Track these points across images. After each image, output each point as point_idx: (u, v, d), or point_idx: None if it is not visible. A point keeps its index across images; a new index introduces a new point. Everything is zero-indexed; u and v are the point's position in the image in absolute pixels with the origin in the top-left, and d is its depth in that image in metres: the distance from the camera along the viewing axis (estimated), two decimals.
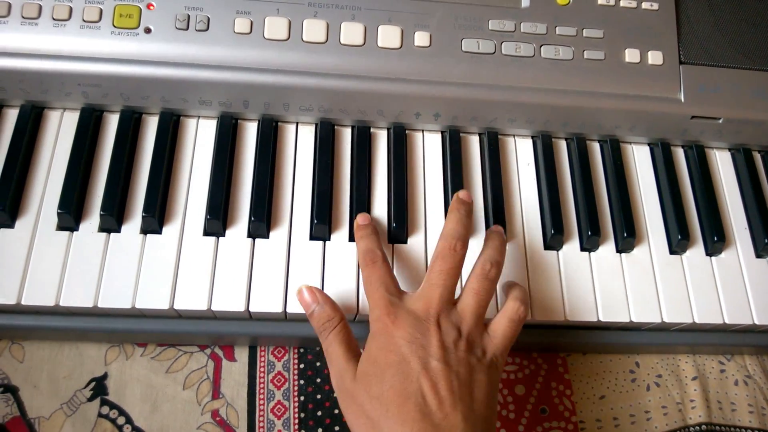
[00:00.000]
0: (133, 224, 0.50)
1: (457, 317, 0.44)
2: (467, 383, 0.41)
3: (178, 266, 0.49)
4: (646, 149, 0.60)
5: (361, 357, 0.43)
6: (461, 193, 0.50)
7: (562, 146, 0.59)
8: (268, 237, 0.51)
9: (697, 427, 0.56)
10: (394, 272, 0.50)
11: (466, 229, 0.47)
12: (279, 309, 0.48)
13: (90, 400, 0.51)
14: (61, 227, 0.49)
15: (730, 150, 0.61)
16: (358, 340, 0.52)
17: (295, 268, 0.50)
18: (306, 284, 0.47)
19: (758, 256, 0.56)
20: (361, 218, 0.50)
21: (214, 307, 0.48)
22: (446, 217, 0.49)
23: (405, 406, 0.39)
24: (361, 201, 0.52)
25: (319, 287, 0.49)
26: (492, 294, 0.46)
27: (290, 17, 0.52)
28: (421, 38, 0.53)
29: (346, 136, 0.56)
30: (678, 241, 0.55)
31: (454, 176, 0.54)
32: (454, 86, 0.53)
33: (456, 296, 0.46)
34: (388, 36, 0.53)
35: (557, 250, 0.54)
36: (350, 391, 0.42)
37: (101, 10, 0.51)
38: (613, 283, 0.53)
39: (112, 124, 0.53)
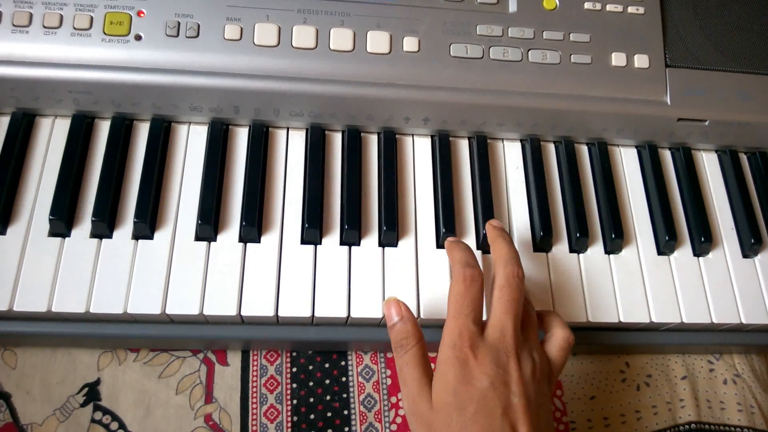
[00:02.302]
0: (124, 230, 0.50)
1: (528, 347, 0.44)
2: (544, 417, 0.41)
3: (170, 271, 0.49)
4: (634, 151, 0.60)
5: (436, 384, 0.42)
6: (494, 222, 0.51)
7: (551, 149, 0.59)
8: (259, 241, 0.51)
9: (687, 426, 0.56)
10: (385, 276, 0.51)
11: (516, 251, 0.47)
12: (271, 313, 0.49)
13: (83, 405, 0.51)
14: (52, 233, 0.49)
15: (716, 152, 0.62)
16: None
17: (287, 272, 0.50)
18: (395, 297, 0.46)
19: (745, 256, 0.57)
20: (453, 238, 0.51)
21: (206, 312, 0.48)
22: (492, 244, 0.48)
23: None
24: (352, 205, 0.52)
25: (311, 291, 0.50)
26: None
27: (280, 23, 0.52)
28: (409, 43, 0.54)
29: (336, 141, 0.56)
30: (666, 242, 0.55)
31: (444, 180, 0.55)
32: (443, 91, 0.54)
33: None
34: (377, 41, 0.53)
35: (546, 252, 0.54)
36: (426, 419, 0.41)
37: (92, 18, 0.51)
38: (602, 284, 0.54)
39: (103, 130, 0.54)
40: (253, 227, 0.50)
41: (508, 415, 0.40)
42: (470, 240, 0.54)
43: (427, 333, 0.52)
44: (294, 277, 0.50)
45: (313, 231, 0.51)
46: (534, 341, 0.45)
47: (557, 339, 0.46)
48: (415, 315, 0.50)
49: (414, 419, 0.43)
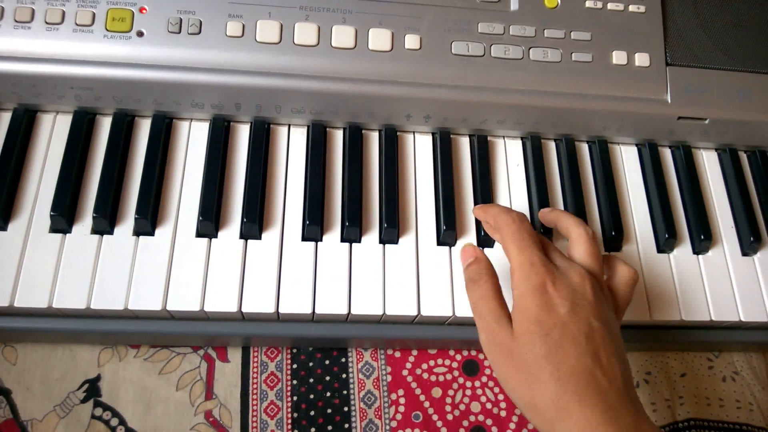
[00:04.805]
0: (125, 226, 0.50)
1: (598, 281, 0.44)
2: (619, 344, 0.42)
3: (171, 268, 0.49)
4: (634, 150, 0.61)
5: (517, 316, 0.42)
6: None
7: (551, 147, 0.60)
8: (260, 238, 0.51)
9: (686, 423, 0.56)
10: (386, 273, 0.51)
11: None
12: (271, 309, 0.49)
13: (83, 401, 0.51)
14: (53, 229, 0.49)
15: (716, 150, 0.62)
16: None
17: (288, 269, 0.50)
18: (471, 244, 0.50)
19: (744, 254, 0.57)
20: None
21: (207, 308, 0.48)
22: (560, 218, 0.49)
23: (576, 367, 0.39)
24: (353, 202, 0.52)
25: (311, 288, 0.50)
26: None
27: (282, 21, 0.52)
28: (411, 41, 0.54)
29: (337, 138, 0.57)
30: (665, 240, 0.55)
31: (445, 177, 0.55)
32: (444, 88, 0.54)
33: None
34: (379, 39, 0.53)
35: None
36: (507, 346, 0.42)
37: (94, 14, 0.51)
38: None
39: (104, 126, 0.54)
40: (254, 224, 0.50)
41: (592, 341, 0.40)
42: (471, 237, 0.54)
43: (428, 330, 0.52)
44: (295, 273, 0.50)
45: (314, 228, 0.51)
46: (602, 281, 0.45)
47: (622, 275, 0.46)
48: (415, 312, 0.50)
49: (493, 348, 0.43)
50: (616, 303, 0.46)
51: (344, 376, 0.55)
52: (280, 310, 0.49)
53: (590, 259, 0.45)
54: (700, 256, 0.56)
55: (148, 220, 0.50)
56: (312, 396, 0.54)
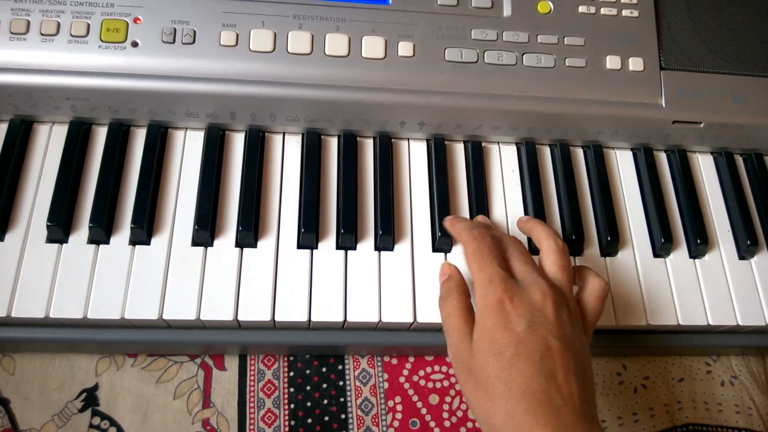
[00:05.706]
0: (122, 235, 0.50)
1: (562, 294, 0.44)
2: (581, 362, 0.41)
3: (167, 276, 0.49)
4: (629, 154, 0.61)
5: (476, 332, 0.43)
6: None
7: (546, 152, 0.60)
8: (256, 246, 0.51)
9: (684, 428, 0.56)
10: (381, 280, 0.51)
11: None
12: (267, 317, 0.49)
13: (81, 411, 0.52)
14: (50, 239, 0.50)
15: (712, 153, 0.62)
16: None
17: (283, 277, 0.50)
18: (447, 262, 0.51)
19: (741, 257, 0.57)
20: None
21: (203, 317, 0.48)
22: (534, 228, 0.50)
23: (529, 386, 0.39)
24: (348, 209, 0.53)
25: (307, 295, 0.50)
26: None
27: (275, 29, 0.53)
28: (404, 48, 0.54)
29: (332, 146, 0.57)
30: (662, 245, 0.55)
31: (440, 184, 0.55)
32: (438, 95, 0.54)
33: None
34: (373, 46, 0.54)
35: None
36: (468, 364, 0.42)
37: (89, 25, 0.51)
38: None
39: (100, 136, 0.54)
40: (250, 232, 0.51)
41: (547, 358, 0.40)
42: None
43: (425, 337, 0.53)
44: (291, 281, 0.50)
45: (309, 235, 0.51)
46: (568, 293, 0.45)
47: (593, 288, 0.46)
48: (411, 319, 0.50)
49: (456, 364, 0.44)
50: (585, 317, 0.45)
51: (341, 383, 0.55)
52: (277, 318, 0.49)
53: (558, 272, 0.45)
54: (697, 261, 0.56)
55: (144, 230, 0.50)
56: (309, 404, 0.54)
